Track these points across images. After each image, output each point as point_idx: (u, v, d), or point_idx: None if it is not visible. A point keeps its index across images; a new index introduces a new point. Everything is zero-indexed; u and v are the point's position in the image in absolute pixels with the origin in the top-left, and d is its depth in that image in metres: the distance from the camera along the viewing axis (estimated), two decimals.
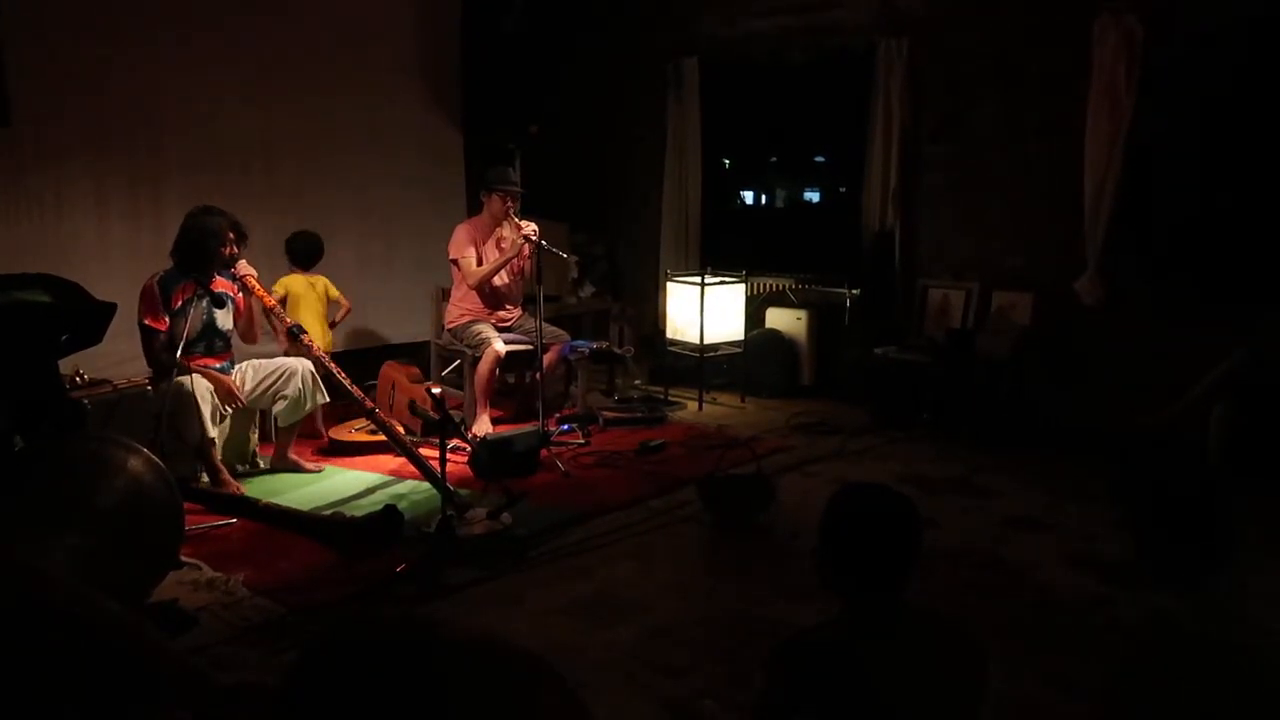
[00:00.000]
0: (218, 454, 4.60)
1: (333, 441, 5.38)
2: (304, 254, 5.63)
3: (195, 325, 4.53)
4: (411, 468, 4.59)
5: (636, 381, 6.99)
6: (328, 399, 4.92)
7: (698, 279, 6.46)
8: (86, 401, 4.35)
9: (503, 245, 5.67)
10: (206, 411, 4.40)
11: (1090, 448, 5.21)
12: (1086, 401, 5.49)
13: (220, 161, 5.76)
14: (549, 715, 1.35)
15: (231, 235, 4.65)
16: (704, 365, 6.51)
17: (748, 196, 8.33)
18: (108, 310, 3.92)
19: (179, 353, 4.32)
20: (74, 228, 5.29)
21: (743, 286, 6.67)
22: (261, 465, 5.04)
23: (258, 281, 4.77)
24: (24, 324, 3.67)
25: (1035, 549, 4.04)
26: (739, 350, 6.64)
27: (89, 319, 3.87)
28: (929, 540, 2.04)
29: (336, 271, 6.33)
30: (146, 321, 4.49)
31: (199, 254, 4.56)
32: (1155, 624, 3.37)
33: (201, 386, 4.44)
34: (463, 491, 4.47)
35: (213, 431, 4.48)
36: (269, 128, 6.01)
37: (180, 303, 4.52)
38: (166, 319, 4.48)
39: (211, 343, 4.66)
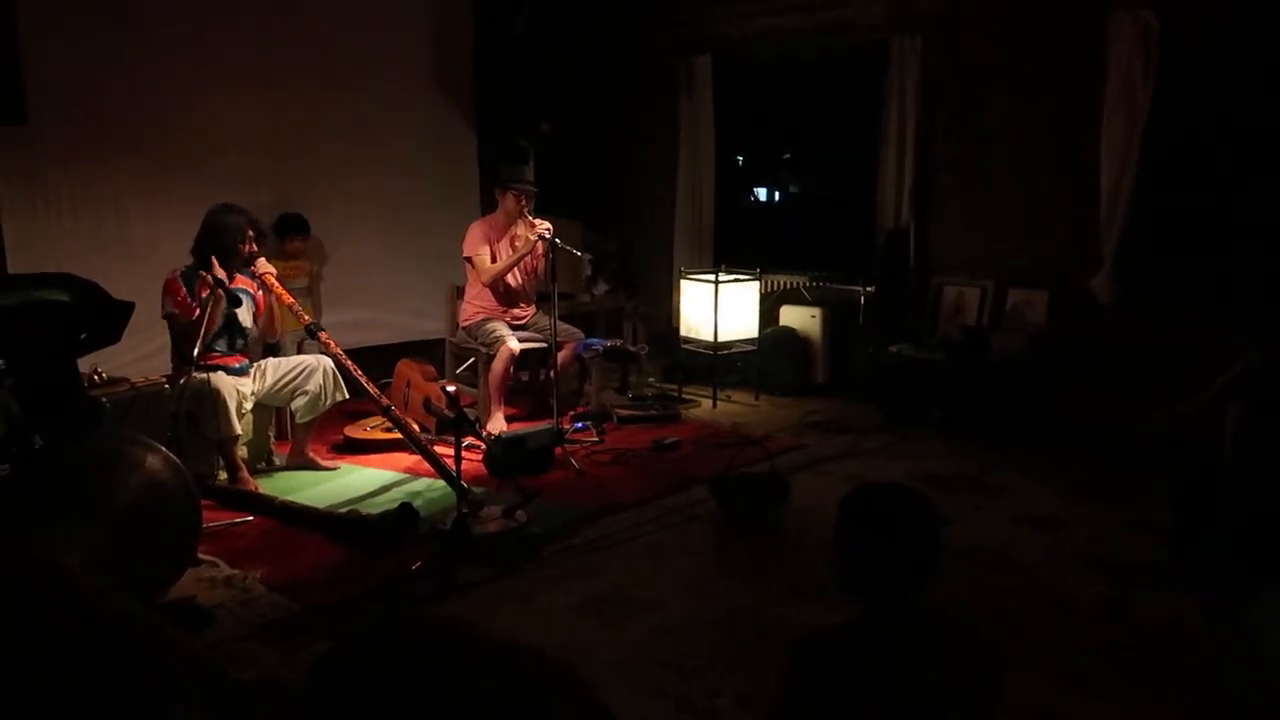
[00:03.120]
0: (240, 451, 4.64)
1: (348, 439, 5.41)
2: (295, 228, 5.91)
3: (215, 322, 4.56)
4: (426, 465, 4.61)
5: (650, 379, 7.00)
6: (347, 395, 4.95)
7: (711, 276, 6.47)
8: (104, 400, 4.38)
9: (517, 243, 5.68)
10: (232, 407, 4.44)
11: (1104, 447, 5.21)
12: (1101, 400, 5.47)
13: (234, 159, 5.79)
14: None
15: (251, 233, 4.68)
16: (718, 363, 6.52)
17: (761, 194, 8.32)
18: (126, 309, 3.96)
19: (197, 351, 4.34)
20: (91, 226, 5.33)
21: (756, 284, 6.67)
22: (278, 463, 5.08)
23: (277, 279, 4.80)
24: (43, 323, 3.71)
25: (1047, 548, 4.04)
26: (753, 348, 6.64)
27: (107, 318, 3.90)
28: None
29: (351, 269, 6.37)
30: (176, 311, 4.50)
31: (219, 251, 4.59)
32: (1168, 625, 3.37)
33: (226, 383, 4.47)
34: (477, 489, 4.49)
35: (238, 428, 4.52)
36: (281, 124, 6.05)
37: (200, 299, 4.55)
38: (196, 306, 4.49)
39: (231, 340, 4.69)
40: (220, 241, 4.59)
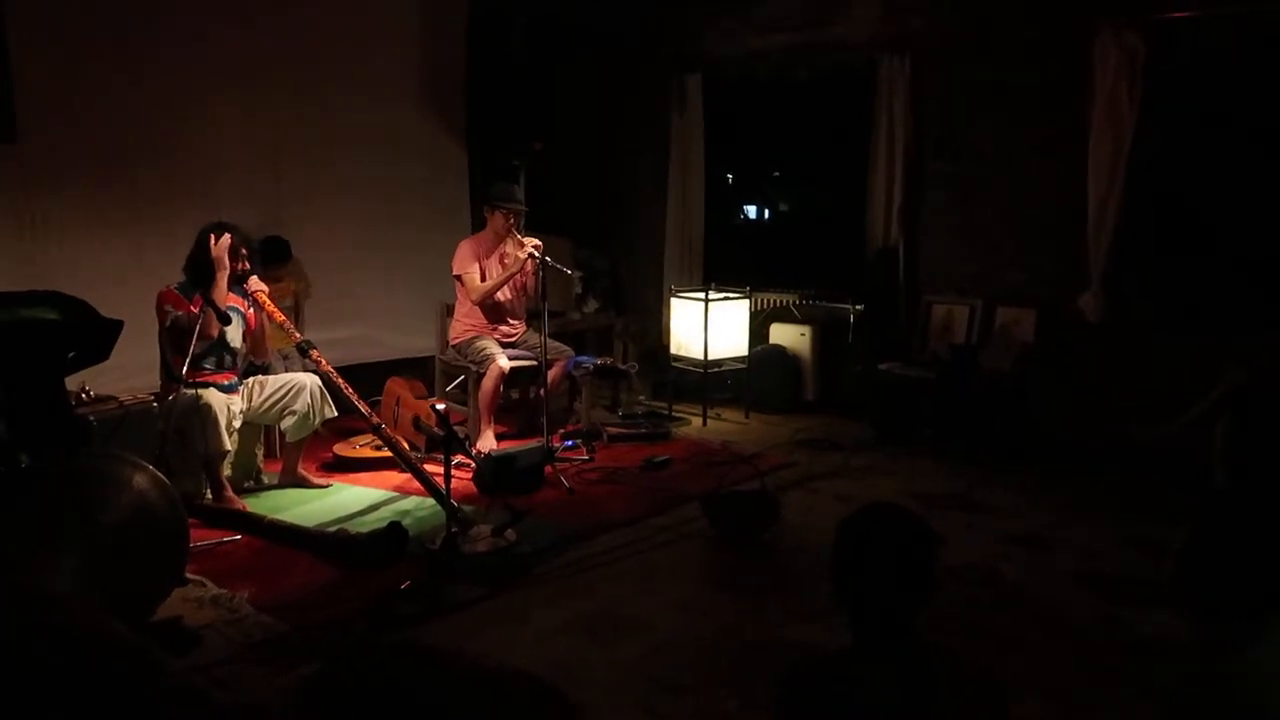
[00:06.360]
0: (224, 469, 4.61)
1: (338, 457, 5.39)
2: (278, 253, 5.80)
3: (209, 338, 4.53)
4: (416, 484, 4.59)
5: (640, 397, 7.00)
6: (335, 414, 4.93)
7: (701, 294, 6.48)
8: (92, 418, 4.36)
9: (506, 261, 5.69)
10: (222, 423, 4.43)
11: (1093, 463, 5.22)
12: (1089, 417, 5.49)
13: (224, 178, 5.78)
14: None
15: (244, 251, 4.68)
16: (708, 381, 6.52)
17: (751, 212, 8.35)
18: (114, 327, 3.93)
19: (185, 369, 4.32)
20: (81, 244, 5.30)
21: (746, 302, 6.68)
22: (266, 481, 5.05)
23: (269, 297, 4.79)
24: (31, 341, 3.68)
25: (1037, 565, 4.04)
26: (743, 366, 6.64)
27: (96, 336, 3.87)
28: None
29: (341, 287, 6.37)
30: (180, 314, 4.47)
31: (211, 268, 4.58)
32: (1160, 642, 3.36)
33: (218, 398, 4.46)
34: (467, 508, 4.47)
35: (228, 444, 4.50)
36: (273, 142, 6.04)
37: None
38: (198, 316, 4.44)
39: (220, 358, 4.68)
40: (213, 259, 4.57)
